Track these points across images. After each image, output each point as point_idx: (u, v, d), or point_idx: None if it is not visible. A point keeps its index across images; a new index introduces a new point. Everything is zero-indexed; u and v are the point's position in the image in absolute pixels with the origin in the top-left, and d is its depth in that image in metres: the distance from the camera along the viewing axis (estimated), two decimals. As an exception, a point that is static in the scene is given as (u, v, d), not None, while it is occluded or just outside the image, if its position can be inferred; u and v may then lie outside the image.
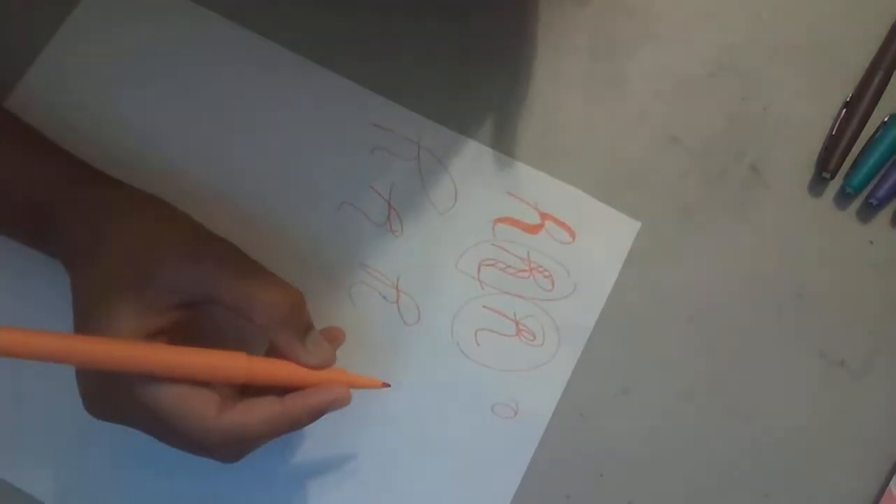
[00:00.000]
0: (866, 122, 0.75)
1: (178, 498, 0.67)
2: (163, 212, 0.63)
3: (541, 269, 0.72)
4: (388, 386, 0.66)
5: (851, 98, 0.75)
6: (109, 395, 0.58)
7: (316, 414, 0.60)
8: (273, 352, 0.62)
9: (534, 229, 0.73)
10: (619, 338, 0.72)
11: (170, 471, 0.67)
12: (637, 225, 0.74)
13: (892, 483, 0.69)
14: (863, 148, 0.75)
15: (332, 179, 0.73)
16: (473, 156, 0.74)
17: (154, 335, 0.58)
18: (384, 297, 0.71)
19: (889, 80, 0.75)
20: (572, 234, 0.73)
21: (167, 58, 0.76)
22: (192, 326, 0.61)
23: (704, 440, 0.70)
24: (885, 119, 0.75)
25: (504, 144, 0.75)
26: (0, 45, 0.76)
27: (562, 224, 0.73)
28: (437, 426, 0.69)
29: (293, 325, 0.60)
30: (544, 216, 0.73)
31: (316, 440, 0.68)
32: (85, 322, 0.58)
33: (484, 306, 0.71)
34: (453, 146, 0.74)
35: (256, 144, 0.74)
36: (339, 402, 0.61)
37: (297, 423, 0.60)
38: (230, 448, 0.59)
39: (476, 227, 0.73)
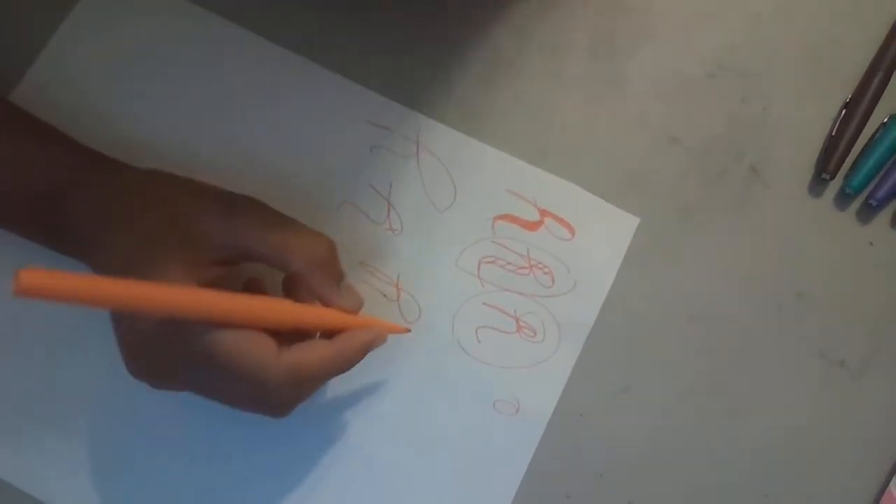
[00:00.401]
0: (866, 122, 0.75)
1: (179, 498, 0.67)
2: (183, 181, 0.64)
3: (541, 265, 0.72)
4: (409, 331, 0.68)
5: (851, 98, 0.75)
6: (159, 351, 0.58)
7: (363, 352, 0.63)
8: (306, 300, 0.63)
9: (533, 226, 0.73)
10: (619, 337, 0.72)
11: (170, 471, 0.67)
12: (636, 221, 0.74)
13: (892, 483, 0.69)
14: (863, 148, 0.75)
15: (332, 178, 0.73)
16: (472, 153, 0.74)
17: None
18: (385, 296, 0.71)
19: (889, 80, 0.75)
20: (572, 231, 0.73)
21: (167, 58, 0.76)
22: (233, 285, 0.61)
23: (704, 440, 0.70)
24: (885, 120, 0.75)
25: (503, 143, 0.75)
26: (0, 45, 0.76)
27: (561, 221, 0.73)
28: (438, 424, 0.69)
29: (329, 270, 0.63)
30: (544, 213, 0.73)
31: (316, 437, 0.68)
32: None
33: (484, 303, 0.71)
34: (452, 144, 0.74)
35: (255, 144, 0.74)
36: (379, 340, 0.64)
37: (348, 362, 0.62)
38: (288, 390, 0.59)
39: (475, 225, 0.73)
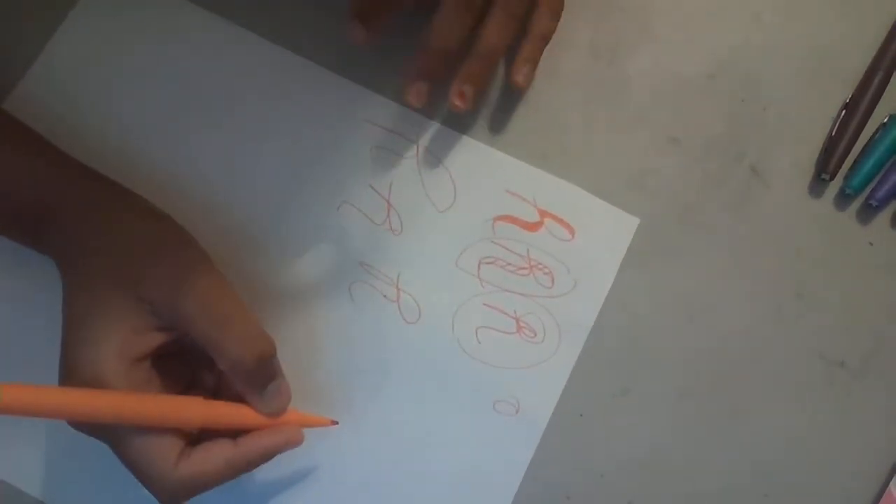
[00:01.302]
0: (866, 122, 0.75)
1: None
2: (153, 227, 0.64)
3: (541, 266, 0.72)
4: (336, 423, 0.67)
5: (851, 99, 0.75)
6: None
7: (269, 455, 0.62)
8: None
9: (533, 227, 0.73)
10: (619, 338, 0.72)
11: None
12: (636, 221, 0.74)
13: (892, 483, 0.69)
14: (862, 149, 0.75)
15: (332, 179, 0.73)
16: (472, 154, 0.74)
17: (139, 359, 0.59)
18: (384, 296, 0.71)
19: (889, 80, 0.75)
20: (571, 232, 0.73)
21: (166, 58, 0.76)
22: (178, 347, 0.62)
23: (704, 440, 0.70)
24: (885, 120, 0.75)
25: (503, 144, 0.75)
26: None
27: (561, 221, 0.73)
28: (438, 424, 0.69)
29: (254, 380, 0.62)
30: (543, 214, 0.73)
31: (314, 440, 0.68)
32: (74, 342, 0.59)
33: (484, 304, 0.71)
34: (452, 145, 0.74)
35: (255, 144, 0.74)
36: (291, 443, 0.63)
37: (251, 465, 0.62)
38: (183, 495, 0.59)
39: (475, 225, 0.73)
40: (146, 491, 0.58)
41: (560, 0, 0.74)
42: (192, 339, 0.60)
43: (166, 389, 0.61)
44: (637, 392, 0.71)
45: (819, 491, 0.70)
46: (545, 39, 0.73)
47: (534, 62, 0.73)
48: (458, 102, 0.70)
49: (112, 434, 0.58)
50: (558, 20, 0.74)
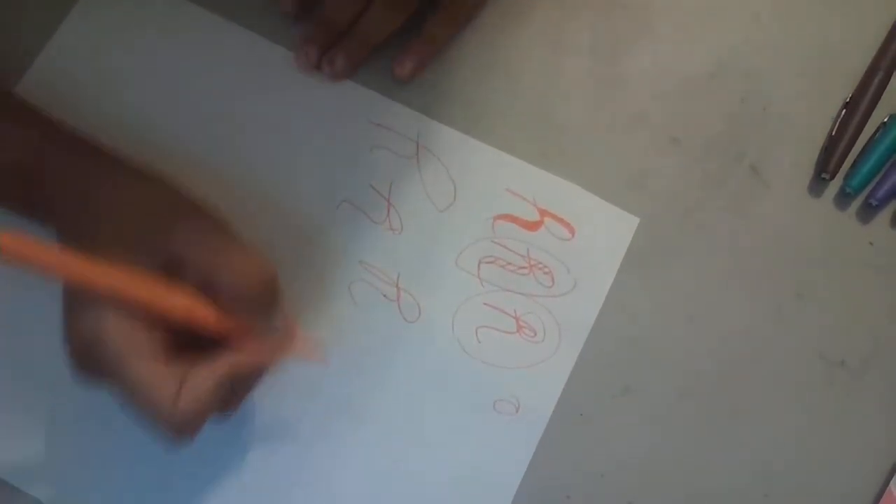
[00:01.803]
0: (866, 122, 0.75)
1: (178, 498, 0.67)
2: (145, 183, 0.64)
3: (541, 265, 0.72)
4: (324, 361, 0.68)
5: (851, 98, 0.75)
6: (91, 361, 0.58)
7: (268, 361, 0.61)
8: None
9: (533, 226, 0.73)
10: (619, 337, 0.72)
11: (169, 471, 0.67)
12: (636, 221, 0.74)
13: (892, 483, 0.69)
14: (863, 148, 0.75)
15: (332, 178, 0.73)
16: (472, 153, 0.74)
17: (139, 319, 0.58)
18: (384, 295, 0.71)
19: (889, 80, 0.75)
20: (572, 231, 0.73)
21: (167, 58, 0.76)
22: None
23: (704, 440, 0.70)
24: (885, 119, 0.75)
25: (503, 143, 0.75)
26: None
27: (561, 221, 0.73)
28: (438, 424, 0.69)
29: (257, 309, 0.60)
30: (543, 213, 0.73)
31: (314, 437, 0.68)
32: (73, 304, 0.58)
33: (484, 303, 0.71)
34: (452, 144, 0.75)
35: (256, 143, 0.74)
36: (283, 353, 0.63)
37: (253, 376, 0.61)
38: (195, 416, 0.58)
39: (475, 225, 0.73)
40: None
41: (462, 13, 0.77)
42: (192, 279, 0.59)
43: (166, 353, 0.59)
44: (637, 392, 0.71)
45: (819, 491, 0.70)
46: (432, 43, 0.76)
47: (416, 59, 0.76)
48: (326, 68, 0.75)
49: (113, 366, 0.56)
50: (453, 30, 0.77)
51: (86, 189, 0.62)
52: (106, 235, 0.59)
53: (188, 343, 0.59)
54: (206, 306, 0.59)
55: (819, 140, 0.76)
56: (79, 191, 0.62)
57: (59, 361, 0.66)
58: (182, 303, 0.58)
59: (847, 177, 0.74)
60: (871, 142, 0.75)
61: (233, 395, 0.61)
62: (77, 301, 0.58)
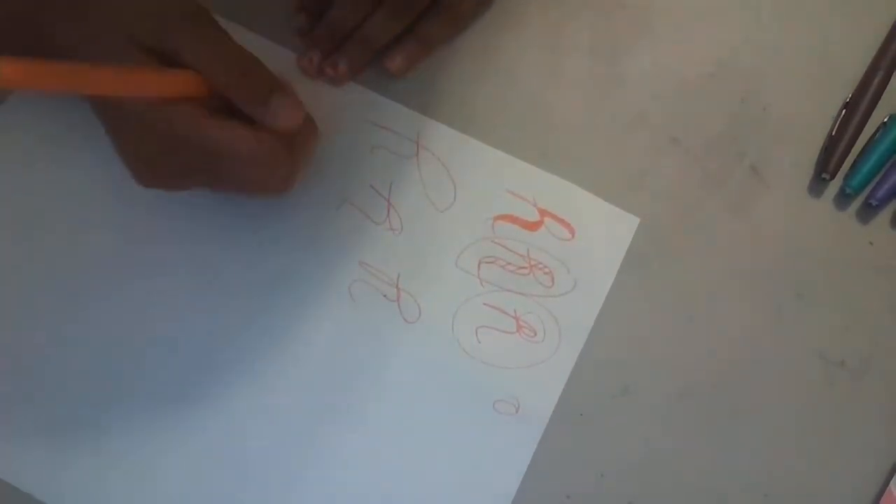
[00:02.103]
0: (866, 122, 0.75)
1: (179, 497, 0.67)
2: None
3: (541, 265, 0.72)
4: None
5: (851, 98, 0.76)
6: (161, 155, 0.62)
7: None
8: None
9: (533, 226, 0.73)
10: (619, 338, 0.72)
11: (169, 470, 0.67)
12: (636, 221, 0.74)
13: (892, 483, 0.69)
14: (862, 148, 0.75)
15: (332, 178, 0.73)
16: (472, 154, 0.75)
17: None
18: (384, 296, 0.71)
19: (889, 80, 0.75)
20: (572, 231, 0.73)
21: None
22: None
23: (704, 440, 0.70)
24: (885, 119, 0.75)
25: (503, 143, 0.75)
26: None
27: (561, 221, 0.73)
28: (438, 424, 0.69)
29: (248, 91, 0.62)
30: (543, 213, 0.73)
31: (314, 437, 0.68)
32: None
33: (484, 304, 0.71)
34: (452, 144, 0.75)
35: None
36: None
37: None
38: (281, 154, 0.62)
39: (475, 225, 0.73)
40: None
41: (460, 17, 0.78)
42: (185, 64, 0.60)
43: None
44: (637, 392, 0.71)
45: (819, 491, 0.70)
46: (427, 42, 0.77)
47: (407, 55, 0.77)
48: (329, 71, 0.76)
49: (190, 145, 0.59)
50: (450, 32, 0.78)
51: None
52: (101, 38, 0.61)
53: None
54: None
55: (819, 140, 0.76)
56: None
57: (57, 361, 0.67)
58: (195, 77, 0.60)
59: (847, 177, 0.75)
60: (871, 142, 0.75)
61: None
62: (117, 121, 0.62)
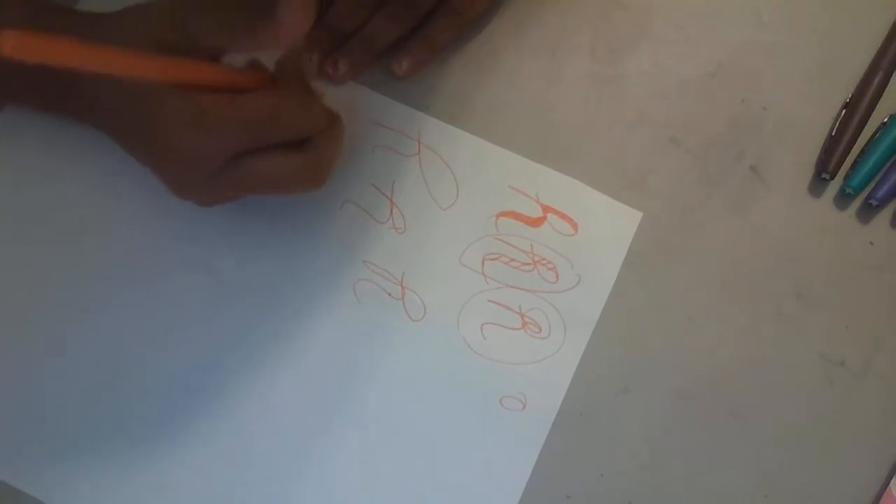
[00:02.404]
0: (866, 122, 0.75)
1: (179, 497, 0.67)
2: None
3: (544, 261, 0.72)
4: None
5: (851, 98, 0.76)
6: (198, 171, 0.62)
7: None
8: None
9: (536, 222, 0.73)
10: (620, 337, 0.72)
11: (170, 470, 0.67)
12: (639, 215, 0.74)
13: (892, 483, 0.69)
14: (863, 148, 0.75)
15: (334, 178, 0.72)
16: (474, 151, 0.75)
17: None
18: (389, 294, 0.71)
19: (889, 80, 0.76)
20: (574, 226, 0.73)
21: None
22: None
23: (704, 440, 0.70)
24: (885, 119, 0.75)
25: (504, 143, 0.75)
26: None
27: (564, 216, 0.73)
28: (445, 421, 0.69)
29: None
30: (546, 209, 0.73)
31: (320, 436, 0.68)
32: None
33: (489, 300, 0.71)
34: (454, 142, 0.75)
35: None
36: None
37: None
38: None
39: (479, 222, 0.73)
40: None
41: (466, 19, 0.78)
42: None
43: None
44: (637, 392, 0.71)
45: (819, 491, 0.70)
46: (433, 45, 0.77)
47: (414, 58, 0.76)
48: (329, 70, 0.76)
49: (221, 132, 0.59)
50: (456, 35, 0.78)
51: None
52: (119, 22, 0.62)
53: None
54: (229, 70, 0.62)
55: (819, 140, 0.76)
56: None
57: (57, 361, 0.66)
58: (213, 66, 0.61)
59: (847, 177, 0.75)
60: (871, 142, 0.75)
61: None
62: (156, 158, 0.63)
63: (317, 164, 0.65)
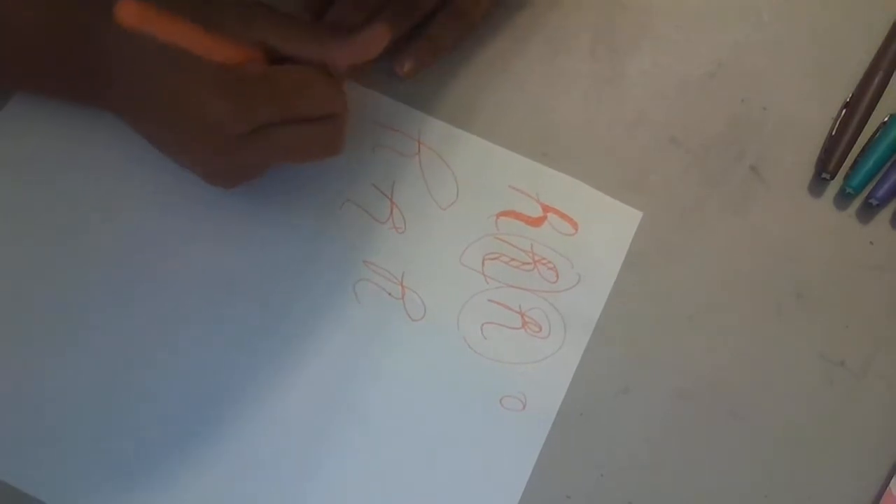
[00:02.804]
0: (866, 122, 0.75)
1: (179, 497, 0.67)
2: None
3: (545, 261, 0.72)
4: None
5: (851, 98, 0.76)
6: (223, 156, 0.64)
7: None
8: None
9: (536, 222, 0.73)
10: (619, 337, 0.71)
11: (170, 470, 0.67)
12: (639, 215, 0.74)
13: (892, 483, 0.69)
14: (863, 148, 0.76)
15: (334, 178, 0.73)
16: (474, 151, 0.75)
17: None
18: (389, 294, 0.71)
19: (889, 80, 0.76)
20: (575, 226, 0.73)
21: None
22: None
23: (704, 440, 0.70)
24: (885, 119, 0.75)
25: (504, 142, 0.75)
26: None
27: (564, 216, 0.73)
28: (445, 421, 0.69)
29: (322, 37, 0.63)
30: (546, 208, 0.73)
31: (319, 436, 0.68)
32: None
33: (489, 300, 0.71)
34: (454, 142, 0.75)
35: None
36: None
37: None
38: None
39: (479, 222, 0.73)
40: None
41: (470, 21, 0.78)
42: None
43: None
44: (637, 392, 0.70)
45: (819, 491, 0.70)
46: (436, 46, 0.77)
47: (416, 59, 0.77)
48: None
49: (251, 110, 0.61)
50: (459, 36, 0.78)
51: None
52: None
53: None
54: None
55: (819, 140, 0.76)
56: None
57: (57, 362, 0.66)
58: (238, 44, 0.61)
59: (847, 177, 0.75)
60: (871, 142, 0.75)
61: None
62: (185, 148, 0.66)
63: (337, 133, 0.66)
